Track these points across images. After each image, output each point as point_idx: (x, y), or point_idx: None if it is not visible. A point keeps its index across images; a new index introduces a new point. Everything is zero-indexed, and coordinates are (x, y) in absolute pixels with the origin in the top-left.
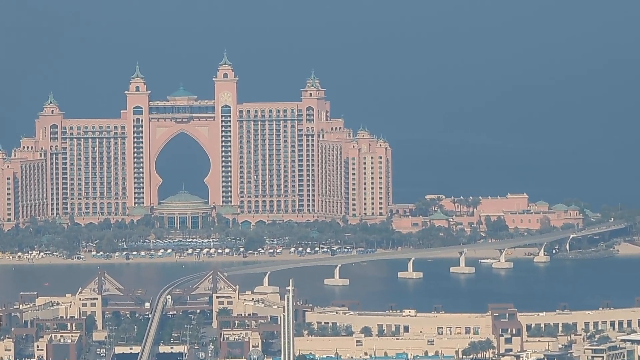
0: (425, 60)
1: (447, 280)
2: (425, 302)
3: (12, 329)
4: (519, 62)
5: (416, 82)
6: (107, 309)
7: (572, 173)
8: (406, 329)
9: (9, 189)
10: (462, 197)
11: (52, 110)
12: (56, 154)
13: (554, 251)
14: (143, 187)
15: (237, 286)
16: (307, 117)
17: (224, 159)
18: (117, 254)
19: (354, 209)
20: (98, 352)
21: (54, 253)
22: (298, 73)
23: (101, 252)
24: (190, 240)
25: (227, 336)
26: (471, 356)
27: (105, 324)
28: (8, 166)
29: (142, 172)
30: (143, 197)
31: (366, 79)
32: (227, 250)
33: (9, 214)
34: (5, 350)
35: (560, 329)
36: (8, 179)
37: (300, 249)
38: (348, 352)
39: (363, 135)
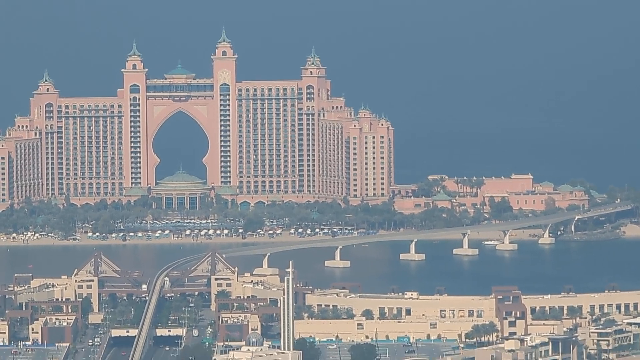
0: (427, 38)
1: (450, 262)
2: (428, 284)
3: (7, 311)
4: (522, 38)
5: (419, 61)
6: (103, 291)
7: (578, 153)
8: (408, 311)
9: (3, 168)
10: (465, 178)
11: (48, 89)
12: (51, 133)
13: (559, 233)
14: (140, 167)
15: (236, 268)
16: (308, 96)
17: (222, 138)
18: (113, 235)
19: (355, 190)
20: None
21: (49, 234)
22: (298, 51)
23: (97, 233)
24: (188, 221)
25: (226, 319)
26: (474, 339)
27: (102, 307)
28: (2, 145)
29: (139, 152)
30: (140, 178)
31: (368, 57)
32: (225, 231)
33: (3, 195)
34: (0, 332)
35: (565, 312)
36: (2, 158)
37: (300, 230)
38: (349, 336)
39: (364, 115)
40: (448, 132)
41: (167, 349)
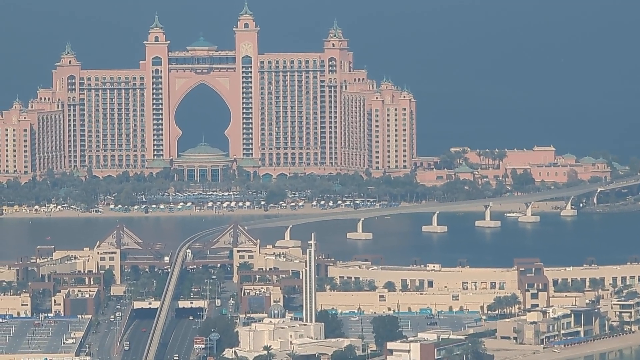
0: (449, 11)
1: (472, 235)
2: (450, 256)
3: (29, 283)
4: (544, 16)
5: (441, 33)
6: (125, 263)
7: (600, 125)
8: (430, 283)
9: (25, 141)
10: (487, 150)
11: (70, 61)
12: (74, 105)
13: (581, 205)
14: (162, 139)
15: (258, 240)
16: (330, 68)
17: (244, 110)
18: (135, 207)
19: (377, 162)
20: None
21: (72, 206)
22: (320, 23)
23: (120, 206)
24: (210, 193)
25: (248, 291)
26: (496, 311)
27: (124, 279)
28: (25, 117)
29: (162, 124)
30: (162, 150)
31: (390, 29)
32: (247, 203)
33: (25, 167)
34: (22, 304)
35: (587, 284)
36: (25, 130)
37: (322, 202)
38: (371, 308)
39: (387, 87)
40: (470, 104)
41: (190, 318)
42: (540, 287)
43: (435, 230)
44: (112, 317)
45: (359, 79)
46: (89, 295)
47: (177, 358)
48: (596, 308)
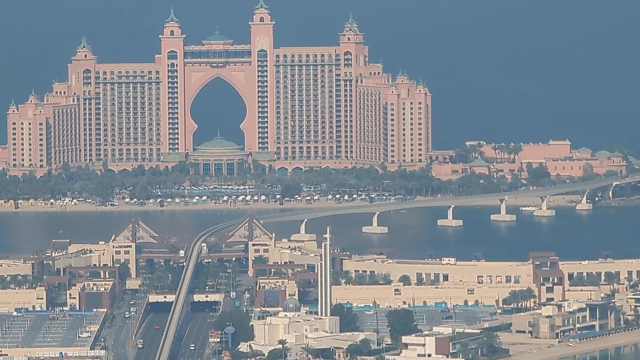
0: (466, 5)
1: (487, 228)
2: (465, 250)
3: (45, 277)
4: (560, 9)
5: (457, 27)
6: (141, 256)
7: (615, 119)
8: (446, 277)
9: (41, 134)
10: (503, 144)
11: (85, 55)
12: (89, 99)
13: (596, 199)
14: (178, 133)
15: (274, 234)
16: (345, 62)
17: (260, 104)
18: (151, 201)
19: (392, 156)
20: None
21: (87, 200)
22: (336, 17)
23: (135, 199)
24: (225, 187)
25: (263, 285)
26: (512, 305)
27: (139, 272)
28: (40, 111)
29: (177, 118)
30: (178, 143)
31: (406, 22)
32: (263, 197)
33: (41, 160)
34: (38, 298)
35: (602, 277)
36: (40, 124)
37: (337, 196)
38: (386, 301)
39: (402, 81)
40: (486, 98)
41: (207, 311)
42: (556, 281)
43: (451, 224)
44: (127, 313)
45: (374, 73)
46: (104, 289)
47: (193, 348)
48: (611, 302)
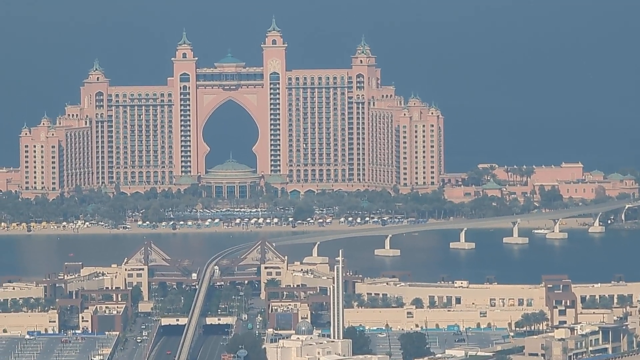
0: (477, 26)
1: (500, 251)
2: (478, 273)
3: (57, 300)
4: (571, 31)
5: (468, 49)
6: (153, 279)
7: (628, 142)
8: (458, 300)
9: (53, 157)
10: (515, 166)
11: (98, 78)
12: (102, 122)
13: (609, 221)
14: (190, 156)
15: (286, 257)
16: (358, 85)
17: (272, 127)
18: (163, 223)
19: (405, 178)
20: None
21: (100, 223)
22: (348, 39)
23: (147, 222)
24: (238, 209)
25: (276, 307)
26: (524, 328)
27: (152, 295)
28: (53, 134)
29: (189, 141)
30: (190, 166)
31: (418, 45)
32: (275, 220)
33: (53, 183)
34: (50, 321)
35: (615, 300)
36: (53, 147)
37: (350, 218)
38: (399, 324)
39: (414, 103)
40: (498, 120)
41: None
42: (568, 304)
43: (463, 246)
44: (139, 338)
45: (386, 95)
46: (117, 312)
47: None
48: (624, 325)
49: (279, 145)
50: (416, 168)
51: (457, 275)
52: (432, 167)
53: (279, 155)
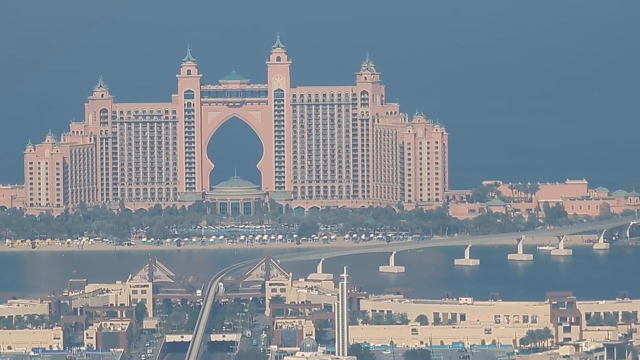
0: (481, 43)
1: (504, 268)
2: (482, 289)
3: (62, 317)
4: (575, 48)
5: (473, 65)
6: (158, 296)
7: (632, 158)
8: (463, 317)
9: (58, 174)
10: (520, 183)
11: (102, 94)
12: (106, 139)
13: (613, 238)
14: (194, 173)
15: (290, 273)
16: (362, 102)
17: (277, 143)
18: (168, 240)
19: (409, 195)
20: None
21: (104, 239)
22: (353, 56)
23: (152, 239)
24: (242, 226)
25: (280, 324)
26: (529, 345)
27: (156, 312)
28: (57, 151)
29: (194, 157)
30: (194, 183)
31: (422, 62)
32: (280, 236)
33: (58, 200)
34: (55, 338)
35: (620, 317)
36: (57, 164)
37: (354, 235)
38: (403, 341)
39: (419, 120)
40: (503, 137)
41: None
42: (573, 321)
43: (468, 263)
44: (143, 356)
45: (391, 112)
46: (121, 329)
47: None
48: (629, 342)
49: (284, 162)
50: (421, 185)
51: (462, 292)
52: (437, 183)
53: (284, 171)
